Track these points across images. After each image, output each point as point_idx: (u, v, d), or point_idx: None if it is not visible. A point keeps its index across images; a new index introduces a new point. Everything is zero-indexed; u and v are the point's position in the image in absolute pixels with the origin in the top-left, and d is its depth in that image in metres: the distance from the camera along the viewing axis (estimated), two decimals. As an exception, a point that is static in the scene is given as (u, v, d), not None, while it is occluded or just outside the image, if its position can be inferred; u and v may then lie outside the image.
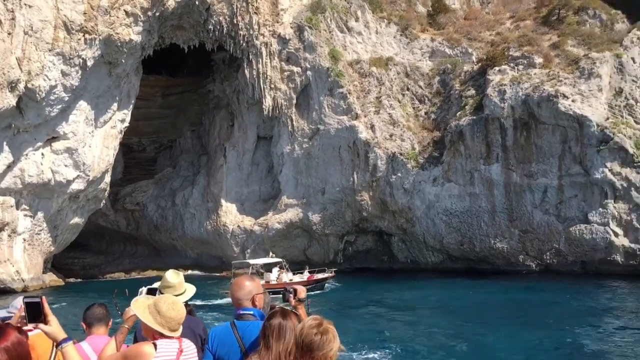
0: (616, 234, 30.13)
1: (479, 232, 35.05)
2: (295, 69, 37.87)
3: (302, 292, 4.34)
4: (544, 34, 36.51)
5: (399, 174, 36.49)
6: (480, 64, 36.61)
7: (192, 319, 4.67)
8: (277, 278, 32.86)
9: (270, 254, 36.73)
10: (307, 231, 40.09)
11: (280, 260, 34.81)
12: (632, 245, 29.73)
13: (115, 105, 35.39)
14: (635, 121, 31.52)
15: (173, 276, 4.67)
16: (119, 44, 32.27)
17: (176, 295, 4.32)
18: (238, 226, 41.59)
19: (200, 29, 36.88)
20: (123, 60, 33.37)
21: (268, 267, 34.48)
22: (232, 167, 41.84)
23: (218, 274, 41.46)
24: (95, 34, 31.08)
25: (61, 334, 3.33)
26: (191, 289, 4.74)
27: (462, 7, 44.04)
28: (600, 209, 30.66)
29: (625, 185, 30.01)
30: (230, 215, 42.11)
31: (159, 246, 48.59)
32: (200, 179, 43.98)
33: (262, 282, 32.56)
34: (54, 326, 3.31)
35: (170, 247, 47.43)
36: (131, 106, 37.03)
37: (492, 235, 34.52)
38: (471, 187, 35.01)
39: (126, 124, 36.89)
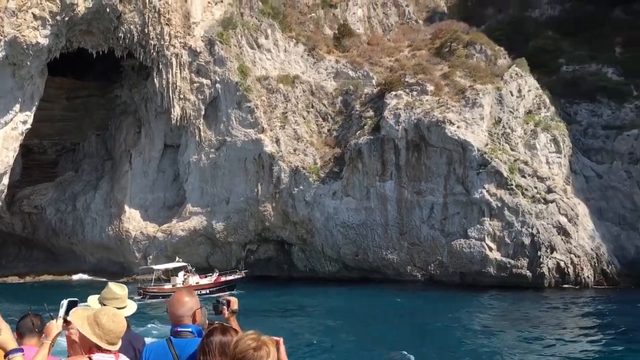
0: (490, 249, 33.67)
1: (372, 244, 37.67)
2: (204, 81, 38.99)
3: (235, 303, 4.25)
4: (437, 64, 39.96)
5: (301, 187, 38.49)
6: (379, 88, 39.45)
7: (133, 334, 4.59)
8: (184, 282, 33.87)
9: (177, 258, 37.53)
10: (210, 239, 41.14)
11: (185, 264, 35.80)
12: (503, 259, 33.36)
13: (17, 107, 34.90)
14: (510, 148, 35.40)
15: (119, 288, 4.47)
16: (25, 46, 32.07)
17: (119, 308, 4.16)
18: (141, 232, 41.90)
19: (110, 35, 37.15)
20: (28, 63, 33.14)
21: (174, 271, 35.42)
22: (138, 174, 42.14)
23: (120, 280, 41.45)
24: (1, 35, 30.77)
25: (11, 344, 3.26)
26: (133, 305, 4.52)
27: (366, 32, 47.03)
28: (478, 225, 34.12)
29: (499, 205, 33.62)
30: (134, 222, 42.32)
31: (56, 250, 47.65)
32: (103, 184, 43.84)
33: (169, 286, 33.54)
34: (5, 335, 3.24)
35: (68, 252, 46.69)
36: (34, 108, 36.60)
37: (384, 247, 37.24)
38: (367, 201, 37.61)
39: (28, 125, 36.40)
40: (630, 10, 46.56)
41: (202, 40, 38.93)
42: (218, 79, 38.84)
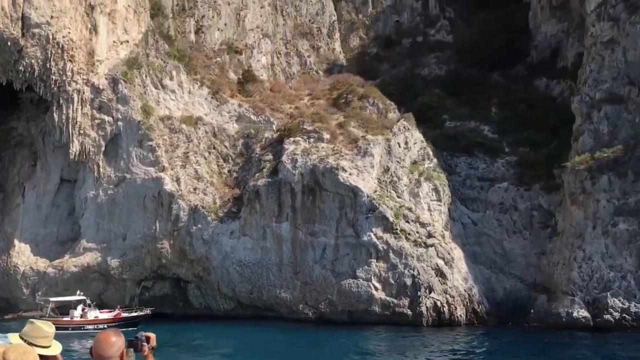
0: (376, 288, 36.08)
1: (267, 283, 39.05)
2: (106, 118, 39.37)
3: (154, 339, 4.16)
4: (333, 113, 42.75)
5: (199, 226, 39.41)
6: (279, 133, 41.55)
7: None
8: (82, 316, 33.51)
9: (78, 292, 36.91)
10: (104, 275, 40.79)
11: (84, 297, 35.42)
12: (387, 298, 35.84)
13: None
14: (397, 195, 38.42)
15: (46, 326, 4.07)
16: None
17: (44, 347, 3.92)
18: (30, 267, 40.83)
19: (9, 68, 36.88)
20: None
21: (72, 305, 35.03)
22: (30, 207, 41.27)
23: (5, 317, 40.00)
24: None
25: None
26: (58, 344, 4.13)
27: (269, 79, 49.35)
28: (366, 266, 36.52)
29: (385, 247, 36.28)
30: (23, 256, 41.18)
31: None
32: (-8, 216, 42.42)
33: (67, 318, 33.07)
34: None
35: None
36: None
37: (278, 286, 38.73)
38: (263, 241, 39.12)
39: None
40: (506, 75, 52.17)
41: (106, 78, 39.43)
42: (120, 117, 39.36)
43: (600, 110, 35.61)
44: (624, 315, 30.98)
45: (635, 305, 31.06)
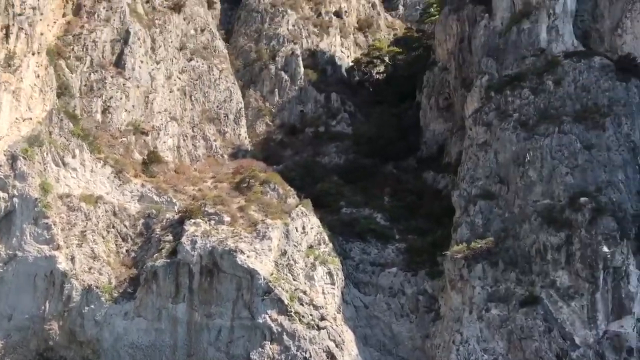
0: (269, 371, 36.69)
1: (159, 366, 38.56)
2: (1, 194, 38.71)
3: None
4: (235, 197, 44.30)
5: (92, 306, 38.74)
6: (180, 214, 42.40)
7: None
8: None
9: None
10: (-16, 358, 38.65)
11: None
12: (279, 381, 36.50)
13: None
14: (293, 278, 39.91)
15: None
16: None
17: None
18: None
19: None
20: None
21: None
22: None
23: None
24: None
25: None
26: None
27: (175, 160, 50.52)
28: (260, 349, 37.17)
29: (279, 330, 37.27)
30: None
31: None
32: None
33: None
34: None
35: None
36: None
37: (171, 369, 38.34)
38: (158, 323, 38.90)
39: None
40: (398, 166, 56.51)
41: (5, 155, 39.10)
42: (16, 194, 38.85)
43: (476, 204, 39.62)
44: (496, 395, 33.49)
45: (505, 386, 33.73)
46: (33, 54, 42.05)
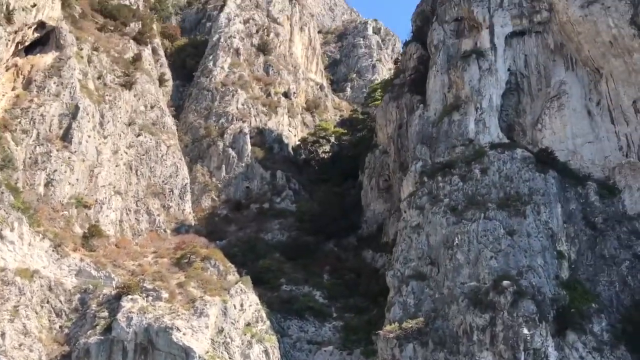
0: None
1: None
2: None
3: None
4: (175, 272, 44.62)
5: (20, 385, 37.61)
6: (117, 290, 42.29)
7: None
8: None
9: None
10: None
11: None
12: None
13: None
14: (229, 356, 39.98)
15: None
16: None
17: None
18: None
19: None
20: None
21: None
22: None
23: None
24: None
25: None
26: None
27: (117, 234, 50.67)
28: None
29: (212, 410, 37.05)
30: None
31: None
32: None
33: None
34: None
35: None
36: None
37: None
38: (87, 403, 38.03)
39: None
40: (339, 244, 58.33)
41: (-60, 227, 38.77)
42: (-51, 267, 38.27)
43: (408, 285, 41.34)
44: None
45: None
46: (-22, 128, 42.56)
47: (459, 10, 53.31)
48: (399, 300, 41.05)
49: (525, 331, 35.76)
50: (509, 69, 49.52)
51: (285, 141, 74.99)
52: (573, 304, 37.35)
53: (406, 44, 66.47)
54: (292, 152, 74.63)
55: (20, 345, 38.93)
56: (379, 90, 79.94)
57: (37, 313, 40.86)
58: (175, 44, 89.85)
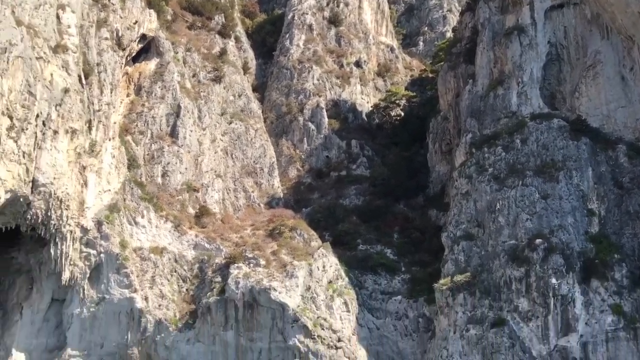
0: (298, 382, 47.26)
1: (215, 380, 49.69)
2: (92, 251, 50.88)
3: None
4: (269, 242, 55.25)
5: (163, 335, 50.26)
6: (226, 260, 53.63)
7: None
8: None
9: None
10: (84, 377, 50.74)
11: None
12: (307, 390, 47.03)
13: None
14: (315, 308, 50.40)
15: None
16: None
17: None
18: (24, 373, 50.47)
19: (19, 216, 48.13)
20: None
21: None
22: (26, 323, 51.37)
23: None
24: (-60, 223, 41.32)
25: None
26: None
27: (221, 211, 61.94)
28: (291, 365, 47.85)
29: (306, 350, 47.74)
30: (17, 363, 50.83)
31: None
32: (-6, 330, 52.32)
33: None
34: None
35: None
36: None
37: (224, 382, 49.43)
38: (213, 346, 50.06)
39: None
40: (408, 204, 66.29)
41: (92, 221, 51.29)
42: (103, 251, 50.94)
43: (459, 244, 49.21)
44: (472, 397, 43.08)
45: (479, 390, 43.26)
46: (109, 140, 54.42)
47: (502, -13, 57.79)
48: (451, 258, 49.14)
49: (554, 281, 42.99)
50: (549, 42, 54.06)
51: (359, 109, 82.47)
52: (598, 256, 43.80)
53: (461, 14, 71.03)
54: (365, 119, 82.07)
55: (159, 305, 51.49)
56: (443, 52, 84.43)
57: (168, 280, 53.17)
58: (255, 21, 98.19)
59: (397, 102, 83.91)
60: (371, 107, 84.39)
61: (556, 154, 48.45)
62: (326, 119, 77.74)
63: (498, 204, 47.97)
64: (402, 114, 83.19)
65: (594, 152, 48.13)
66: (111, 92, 55.87)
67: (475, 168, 51.65)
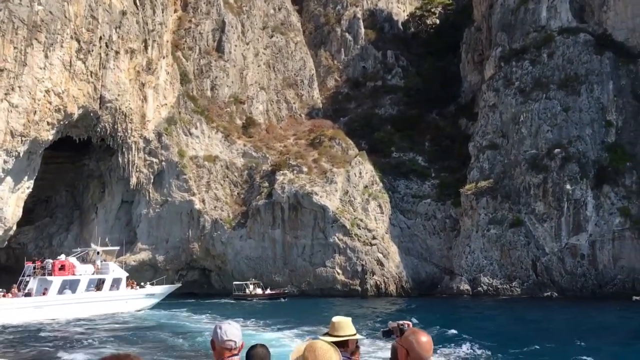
0: (338, 273, 54.35)
1: (265, 270, 57.29)
2: (154, 160, 57.39)
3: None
4: (310, 151, 60.75)
5: (219, 232, 57.54)
6: (272, 167, 59.59)
7: None
8: (253, 291, 52.59)
9: (251, 278, 55.11)
10: (153, 267, 58.95)
11: (258, 281, 54.06)
12: (345, 279, 54.12)
13: (26, 177, 51.63)
14: (353, 210, 56.56)
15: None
16: (41, 142, 49.28)
17: (352, 335, 4.90)
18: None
19: (90, 129, 54.62)
20: (40, 151, 50.26)
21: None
22: (101, 221, 59.35)
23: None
24: (28, 137, 47.91)
25: None
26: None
27: (265, 122, 67.25)
28: (331, 259, 54.74)
29: (344, 246, 54.46)
30: (95, 255, 59.16)
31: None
32: (74, 227, 60.49)
33: (247, 291, 51.27)
34: None
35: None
36: (35, 176, 53.29)
37: (273, 272, 56.98)
38: (262, 242, 57.28)
39: (30, 189, 53.02)
40: (440, 113, 70.17)
41: (153, 133, 57.38)
42: (164, 159, 57.39)
43: (484, 153, 53.73)
44: (489, 287, 49.39)
45: (496, 282, 49.44)
46: (163, 57, 59.24)
47: None
48: (477, 166, 53.90)
49: (568, 187, 47.60)
50: (582, -46, 55.09)
51: (395, 18, 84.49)
52: (611, 164, 47.92)
53: None
54: (401, 28, 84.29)
55: (214, 207, 58.33)
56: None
57: (221, 185, 59.65)
58: None
59: (433, 10, 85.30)
60: (407, 15, 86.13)
61: (580, 68, 51.30)
62: (363, 30, 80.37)
63: (522, 116, 51.77)
64: (438, 22, 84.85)
65: (616, 65, 50.77)
66: (162, 12, 59.97)
67: (503, 82, 54.97)
